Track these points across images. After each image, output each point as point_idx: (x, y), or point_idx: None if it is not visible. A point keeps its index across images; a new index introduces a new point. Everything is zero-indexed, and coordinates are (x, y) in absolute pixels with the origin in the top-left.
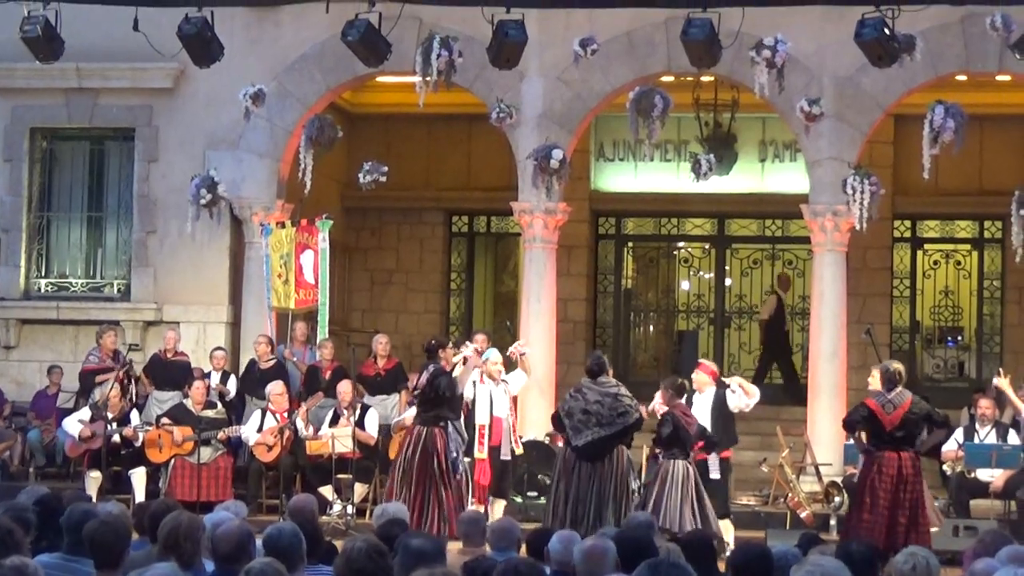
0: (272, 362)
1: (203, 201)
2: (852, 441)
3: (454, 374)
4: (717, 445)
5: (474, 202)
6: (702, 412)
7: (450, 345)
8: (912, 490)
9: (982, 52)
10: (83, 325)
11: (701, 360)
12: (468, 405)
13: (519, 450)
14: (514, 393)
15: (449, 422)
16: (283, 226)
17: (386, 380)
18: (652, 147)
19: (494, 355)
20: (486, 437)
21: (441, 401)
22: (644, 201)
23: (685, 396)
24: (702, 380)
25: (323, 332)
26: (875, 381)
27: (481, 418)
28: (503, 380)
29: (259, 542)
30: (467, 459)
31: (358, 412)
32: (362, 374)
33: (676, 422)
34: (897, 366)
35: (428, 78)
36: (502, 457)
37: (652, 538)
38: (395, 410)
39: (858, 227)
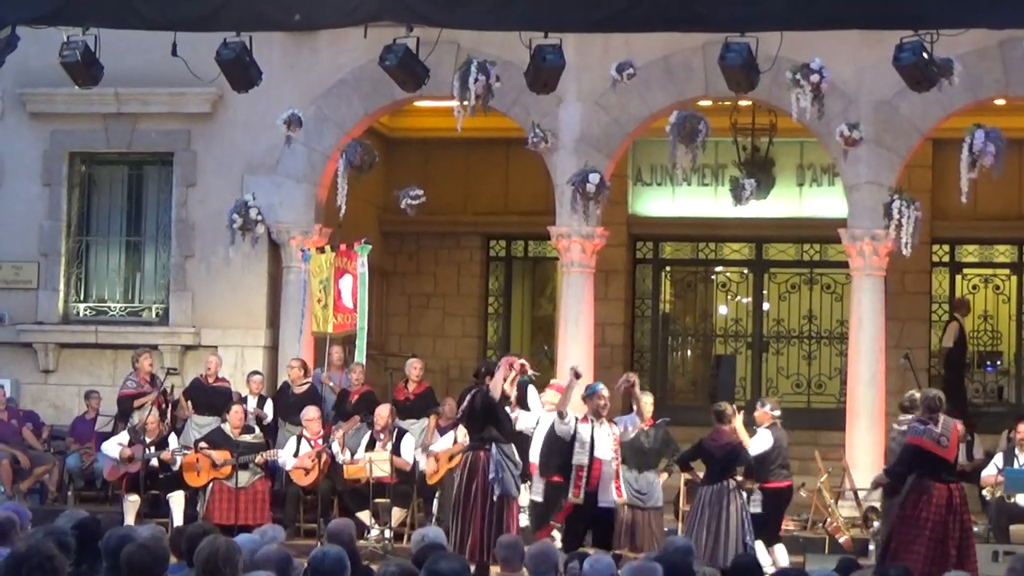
0: (306, 386)
1: (235, 225)
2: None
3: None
4: (755, 474)
5: (512, 226)
6: (541, 432)
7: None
8: (962, 521)
9: (1021, 76)
10: (121, 349)
11: (553, 381)
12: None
13: (621, 499)
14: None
15: (494, 443)
16: (323, 251)
17: (415, 404)
18: (690, 171)
19: (602, 389)
20: (584, 480)
21: (484, 421)
22: (682, 225)
23: (728, 422)
24: (552, 399)
25: (361, 357)
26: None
27: (580, 459)
28: (610, 420)
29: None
30: (527, 483)
31: (394, 437)
32: (393, 398)
33: (704, 447)
34: (937, 392)
35: (466, 102)
36: (601, 504)
37: (691, 564)
38: (423, 435)
39: (904, 252)
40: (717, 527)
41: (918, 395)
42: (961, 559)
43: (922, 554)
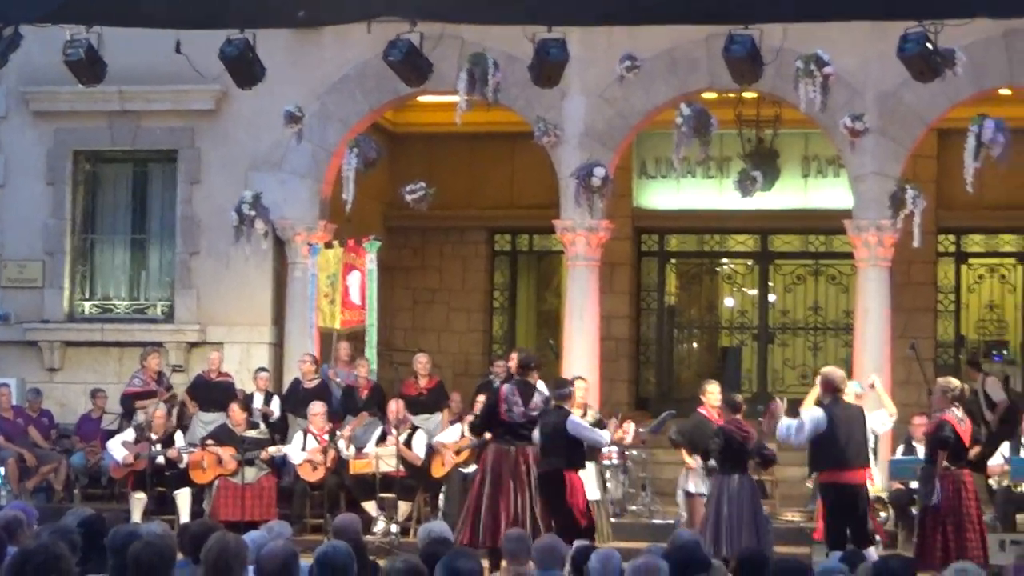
0: (316, 381)
1: (233, 223)
2: (898, 457)
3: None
4: (774, 462)
5: (517, 220)
6: None
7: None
8: (978, 506)
9: None
10: (127, 347)
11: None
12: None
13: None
14: (879, 432)
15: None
16: (331, 246)
17: (428, 399)
18: (695, 164)
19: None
20: None
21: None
22: (687, 218)
23: (741, 411)
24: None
25: (371, 352)
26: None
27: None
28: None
29: (304, 563)
30: None
31: (407, 432)
32: (404, 393)
33: (729, 436)
34: (962, 385)
35: (474, 96)
36: None
37: (704, 557)
38: (439, 428)
39: (916, 243)
40: (750, 517)
41: (954, 384)
42: (982, 542)
43: (975, 541)
